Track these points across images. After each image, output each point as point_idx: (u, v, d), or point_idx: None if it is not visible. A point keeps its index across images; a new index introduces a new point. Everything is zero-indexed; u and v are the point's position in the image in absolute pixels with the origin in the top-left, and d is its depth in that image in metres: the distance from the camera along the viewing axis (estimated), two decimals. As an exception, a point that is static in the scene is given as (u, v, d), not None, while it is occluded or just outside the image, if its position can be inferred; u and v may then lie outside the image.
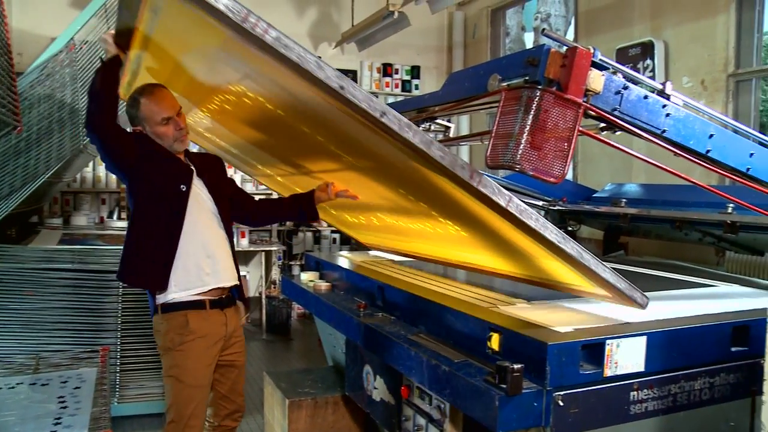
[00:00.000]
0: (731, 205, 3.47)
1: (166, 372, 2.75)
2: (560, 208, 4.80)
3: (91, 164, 6.97)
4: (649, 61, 5.22)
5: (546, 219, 1.84)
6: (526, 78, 1.99)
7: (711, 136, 2.27)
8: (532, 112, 1.90)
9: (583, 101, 1.95)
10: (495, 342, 2.22)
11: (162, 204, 2.74)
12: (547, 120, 1.91)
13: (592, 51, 1.96)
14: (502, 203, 1.76)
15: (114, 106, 2.64)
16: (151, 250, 2.72)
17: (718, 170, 2.34)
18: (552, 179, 1.94)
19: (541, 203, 4.81)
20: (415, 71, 8.48)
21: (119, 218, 6.71)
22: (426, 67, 8.57)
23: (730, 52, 4.72)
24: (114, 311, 4.31)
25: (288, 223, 7.83)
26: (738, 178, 2.37)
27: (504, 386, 1.94)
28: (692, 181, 2.29)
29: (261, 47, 1.61)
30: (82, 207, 7.12)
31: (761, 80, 4.74)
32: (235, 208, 3.00)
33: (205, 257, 2.78)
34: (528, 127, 1.90)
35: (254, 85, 2.17)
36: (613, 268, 2.05)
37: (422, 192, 2.18)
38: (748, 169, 2.37)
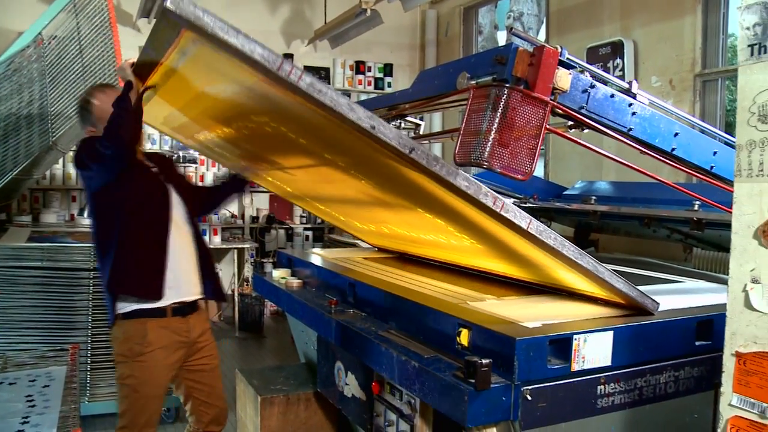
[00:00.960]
0: (698, 202, 3.53)
1: (121, 379, 2.69)
2: (531, 205, 4.84)
3: (60, 161, 6.87)
4: (618, 61, 5.28)
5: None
6: (495, 76, 2.01)
7: (676, 134, 2.31)
8: (499, 110, 1.92)
9: (551, 99, 1.97)
10: (464, 338, 2.24)
11: (149, 211, 2.71)
12: (515, 118, 1.93)
13: (559, 50, 1.98)
14: (524, 225, 1.89)
15: (138, 123, 2.63)
16: (144, 259, 2.67)
17: (683, 168, 2.38)
18: (519, 176, 1.96)
19: (512, 201, 4.85)
20: (387, 69, 8.48)
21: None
22: (399, 64, 8.57)
23: (697, 52, 4.79)
24: (84, 309, 4.26)
25: (260, 220, 7.79)
26: (702, 176, 2.41)
27: (472, 381, 1.96)
28: (658, 179, 2.33)
29: (294, 91, 1.70)
30: (51, 204, 7.02)
31: (727, 81, 4.81)
32: (193, 202, 2.96)
33: (167, 270, 2.70)
34: (496, 125, 1.91)
35: (277, 115, 2.21)
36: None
37: (441, 211, 2.26)
38: (711, 167, 2.41)
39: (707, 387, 2.39)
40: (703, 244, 3.83)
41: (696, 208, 3.55)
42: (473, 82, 2.09)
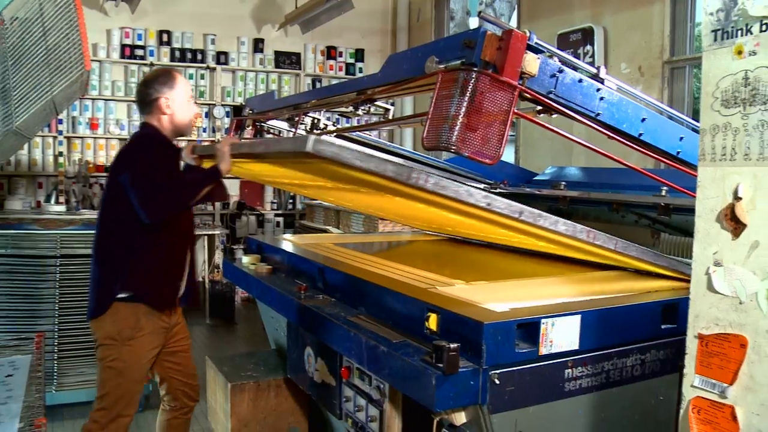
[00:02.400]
0: (665, 188, 3.56)
1: (106, 362, 2.68)
2: (502, 190, 4.85)
3: (26, 147, 6.76)
4: (589, 47, 5.31)
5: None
6: (463, 60, 1.99)
7: (643, 119, 2.32)
8: (467, 94, 1.90)
9: (519, 84, 1.96)
10: (433, 322, 2.24)
11: (183, 224, 2.75)
12: (483, 102, 1.91)
13: (527, 34, 1.97)
14: (586, 238, 2.34)
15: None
16: (167, 270, 2.69)
17: (650, 153, 2.39)
18: (488, 161, 1.95)
19: (482, 186, 4.86)
20: (359, 54, 8.44)
21: (57, 202, 6.51)
22: (370, 50, 8.54)
23: (665, 40, 4.84)
24: (51, 297, 4.19)
25: (231, 206, 7.73)
26: (669, 161, 2.43)
27: (441, 365, 1.96)
28: (627, 165, 2.34)
29: (420, 190, 1.93)
30: (17, 191, 6.90)
31: (695, 68, 4.86)
32: None
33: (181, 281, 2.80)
34: (464, 109, 1.90)
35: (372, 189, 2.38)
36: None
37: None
38: (678, 153, 2.43)
39: (672, 369, 2.42)
40: (670, 229, 3.87)
41: (663, 193, 3.57)
42: (442, 66, 2.07)
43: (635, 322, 2.33)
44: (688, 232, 3.77)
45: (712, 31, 1.38)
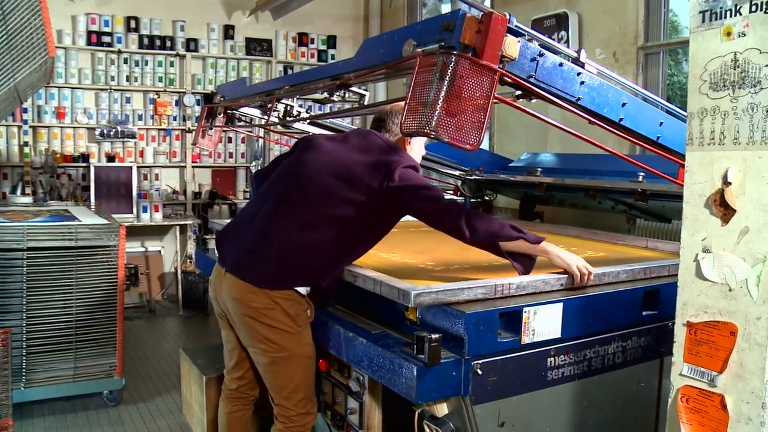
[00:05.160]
0: (642, 173, 3.56)
1: (292, 352, 2.49)
2: (477, 177, 4.82)
3: (-10, 138, 6.59)
4: (563, 33, 5.28)
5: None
6: (442, 43, 1.94)
7: (624, 104, 2.29)
8: (447, 78, 1.85)
9: (499, 67, 1.92)
10: (412, 312, 2.20)
11: (376, 240, 2.60)
12: (463, 86, 1.87)
13: (507, 17, 1.92)
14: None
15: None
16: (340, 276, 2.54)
17: (630, 138, 2.37)
18: (468, 146, 1.90)
19: (457, 173, 4.83)
20: (331, 41, 8.33)
21: (23, 194, 6.36)
22: (342, 36, 8.43)
23: (639, 25, 4.83)
24: (18, 291, 4.07)
25: (203, 196, 7.62)
26: (649, 147, 2.41)
27: (422, 356, 1.93)
28: (606, 149, 2.31)
29: None
30: (-19, 182, 6.72)
31: (668, 55, 4.87)
32: None
33: None
34: (443, 94, 1.85)
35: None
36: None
37: None
38: (658, 138, 2.41)
39: (653, 356, 2.42)
40: (646, 215, 3.88)
41: (640, 179, 3.57)
42: (419, 49, 2.02)
43: (617, 309, 2.32)
44: (664, 217, 3.79)
45: (700, 12, 1.34)
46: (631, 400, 2.40)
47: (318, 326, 2.49)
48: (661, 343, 2.42)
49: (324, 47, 8.28)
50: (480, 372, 2.00)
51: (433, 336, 1.92)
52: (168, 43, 7.45)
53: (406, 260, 2.83)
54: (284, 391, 2.53)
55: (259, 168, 3.86)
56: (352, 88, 2.75)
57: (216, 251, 2.73)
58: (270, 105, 3.36)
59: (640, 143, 2.39)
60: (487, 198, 4.88)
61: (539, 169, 4.41)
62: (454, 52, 1.86)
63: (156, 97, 7.45)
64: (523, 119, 5.52)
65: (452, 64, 1.85)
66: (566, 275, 2.27)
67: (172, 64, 7.48)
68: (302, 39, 8.15)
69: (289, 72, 8.04)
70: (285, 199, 2.50)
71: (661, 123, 2.42)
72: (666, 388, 2.43)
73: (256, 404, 2.89)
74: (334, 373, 2.60)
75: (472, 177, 4.83)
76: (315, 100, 3.37)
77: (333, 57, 8.29)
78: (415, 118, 1.89)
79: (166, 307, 7.12)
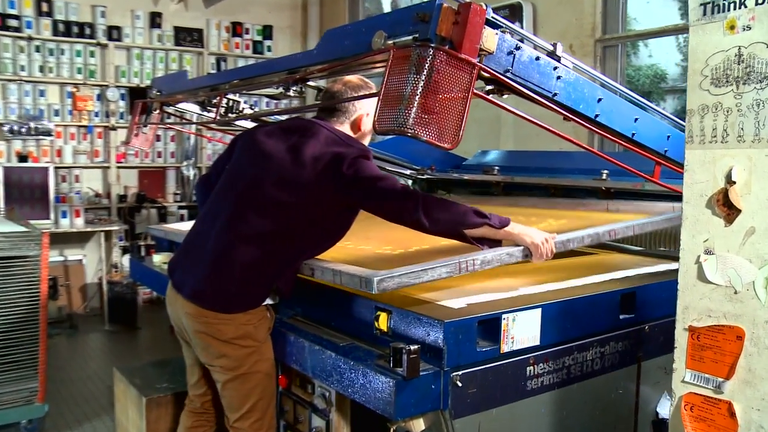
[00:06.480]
0: (606, 171, 3.64)
1: (250, 368, 2.45)
2: (429, 176, 4.85)
3: None
4: (516, 24, 5.35)
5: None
6: (416, 35, 1.93)
7: (599, 100, 2.33)
8: (424, 73, 1.85)
9: (476, 61, 1.93)
10: (383, 322, 2.19)
11: (335, 239, 2.55)
12: (441, 81, 1.86)
13: (485, 7, 1.93)
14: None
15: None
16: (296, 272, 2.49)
17: (606, 135, 2.41)
18: (446, 145, 1.90)
19: (408, 172, 4.84)
20: (267, 31, 8.24)
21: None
22: (279, 26, 8.36)
23: (597, 17, 4.94)
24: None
25: (129, 199, 7.43)
26: (624, 143, 2.46)
27: (400, 369, 1.92)
28: (583, 146, 2.36)
29: None
30: None
31: (626, 47, 5.00)
32: None
33: None
34: (420, 89, 1.84)
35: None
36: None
37: None
38: (633, 134, 2.47)
39: (630, 361, 2.48)
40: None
41: (604, 177, 3.65)
42: (391, 41, 2.01)
43: (595, 313, 2.36)
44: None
45: (701, 4, 1.38)
46: (610, 408, 2.45)
47: (279, 340, 2.46)
48: (638, 347, 2.49)
49: (260, 38, 8.19)
50: (460, 384, 2.00)
51: (412, 347, 1.91)
52: (87, 31, 7.22)
53: (362, 247, 2.83)
54: (240, 410, 2.49)
55: (191, 167, 3.78)
56: (309, 83, 2.72)
57: (169, 275, 2.65)
58: (218, 100, 3.30)
59: (616, 140, 2.44)
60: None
61: (496, 168, 4.46)
62: (432, 45, 1.85)
63: (75, 90, 7.22)
64: (474, 114, 5.54)
65: (430, 58, 1.84)
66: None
67: (92, 54, 7.26)
68: (236, 29, 8.04)
69: (223, 64, 7.91)
70: (236, 213, 2.46)
71: (636, 119, 2.48)
72: (644, 394, 2.52)
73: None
74: (295, 389, 2.57)
75: (424, 176, 4.85)
76: (270, 96, 3.33)
77: (269, 49, 8.21)
78: (390, 116, 1.88)
79: (89, 322, 6.90)
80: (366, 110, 2.54)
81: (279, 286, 2.46)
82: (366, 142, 2.64)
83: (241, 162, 2.60)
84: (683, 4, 10.55)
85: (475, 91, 1.98)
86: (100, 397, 4.84)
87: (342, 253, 2.63)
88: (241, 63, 7.99)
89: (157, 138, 7.56)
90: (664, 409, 2.53)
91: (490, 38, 1.96)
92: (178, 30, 7.72)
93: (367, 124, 2.57)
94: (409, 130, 1.84)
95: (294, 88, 2.68)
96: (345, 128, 2.56)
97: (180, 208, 7.71)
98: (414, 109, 1.84)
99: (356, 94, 2.51)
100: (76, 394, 4.95)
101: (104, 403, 4.64)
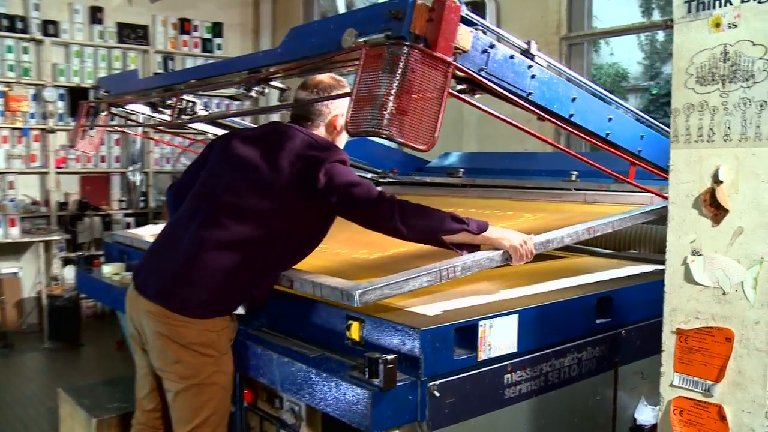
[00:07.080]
0: (575, 172, 3.72)
1: (206, 379, 2.42)
2: (391, 180, 4.87)
3: None
4: (480, 22, 5.42)
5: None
6: (389, 33, 1.95)
7: (574, 99, 2.39)
8: (399, 72, 1.87)
9: (451, 60, 1.95)
10: (354, 331, 2.20)
11: (310, 248, 2.56)
12: (415, 80, 1.88)
13: (459, 5, 1.96)
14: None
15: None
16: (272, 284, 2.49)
17: (580, 135, 2.47)
18: (422, 146, 1.92)
19: (370, 175, 4.86)
20: (217, 29, 8.19)
21: None
22: (229, 24, 8.31)
23: (562, 14, 5.03)
24: None
25: (71, 206, 7.29)
26: (599, 144, 2.51)
27: (376, 380, 1.93)
28: (559, 147, 2.41)
29: None
30: None
31: (593, 45, 5.10)
32: None
33: None
34: (395, 89, 1.86)
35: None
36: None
37: None
38: (607, 134, 2.53)
39: (608, 367, 2.53)
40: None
41: (573, 178, 3.73)
42: (362, 39, 2.02)
43: (572, 318, 2.41)
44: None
45: (685, 1, 1.42)
46: (588, 415, 2.50)
47: (244, 352, 2.44)
48: (615, 352, 2.54)
49: (209, 36, 8.12)
50: (437, 394, 2.02)
51: (389, 357, 1.93)
52: (19, 25, 7.05)
53: (338, 251, 2.84)
54: (190, 424, 2.46)
55: (137, 172, 3.72)
56: (272, 83, 2.71)
57: (132, 278, 2.62)
58: (174, 102, 3.26)
59: (591, 140, 2.49)
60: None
61: (461, 170, 4.51)
62: (406, 43, 1.87)
63: (7, 89, 7.04)
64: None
65: (404, 56, 1.86)
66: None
67: (25, 51, 7.10)
68: (184, 26, 7.96)
69: (170, 63, 7.83)
70: (211, 219, 2.45)
71: (610, 119, 2.53)
72: (621, 400, 2.58)
73: None
74: (262, 404, 2.56)
75: (386, 179, 4.87)
76: (230, 97, 3.31)
77: (219, 47, 8.16)
78: (363, 117, 1.89)
79: (26, 340, 6.72)
80: (341, 110, 2.55)
81: (255, 294, 2.46)
82: (343, 141, 2.65)
83: (216, 168, 2.60)
84: (644, 2, 10.83)
85: (449, 90, 2.02)
86: (41, 420, 4.72)
87: (319, 260, 2.64)
88: (189, 62, 7.92)
89: (101, 141, 7.43)
90: (642, 415, 2.59)
91: (465, 36, 1.99)
92: (121, 26, 7.61)
93: (342, 124, 2.59)
94: (384, 131, 1.86)
95: (256, 89, 2.68)
96: (321, 131, 2.57)
97: (126, 215, 7.60)
98: (388, 110, 1.86)
99: (327, 95, 2.52)
100: (13, 419, 4.81)
101: (45, 427, 4.53)
